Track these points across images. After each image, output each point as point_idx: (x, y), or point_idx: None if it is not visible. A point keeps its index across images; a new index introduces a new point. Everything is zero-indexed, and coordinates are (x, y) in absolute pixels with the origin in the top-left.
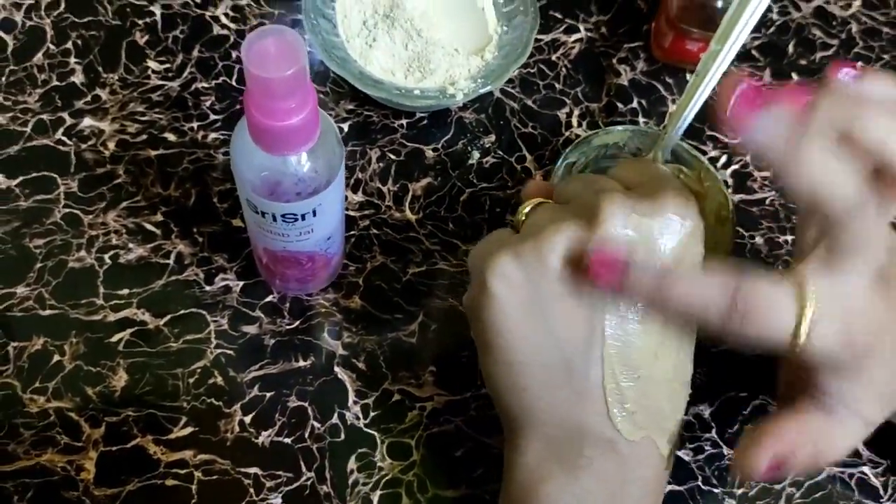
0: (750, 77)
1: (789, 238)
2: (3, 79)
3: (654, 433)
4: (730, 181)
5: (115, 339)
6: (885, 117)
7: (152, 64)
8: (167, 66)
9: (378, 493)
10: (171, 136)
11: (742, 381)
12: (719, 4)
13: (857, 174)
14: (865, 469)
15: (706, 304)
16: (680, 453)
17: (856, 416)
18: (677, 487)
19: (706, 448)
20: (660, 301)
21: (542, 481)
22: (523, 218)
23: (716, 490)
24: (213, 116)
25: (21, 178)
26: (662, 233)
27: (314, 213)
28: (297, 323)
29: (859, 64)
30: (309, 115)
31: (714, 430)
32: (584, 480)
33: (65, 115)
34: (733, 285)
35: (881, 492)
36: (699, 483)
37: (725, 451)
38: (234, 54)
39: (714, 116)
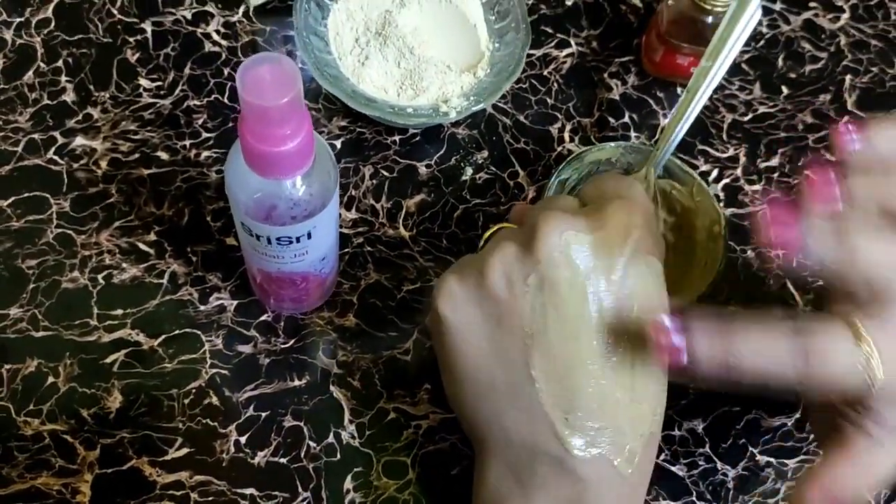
0: (771, 195)
1: (781, 252)
2: None
3: (611, 452)
4: (721, 195)
5: (109, 360)
6: None
7: (144, 82)
8: (159, 83)
9: None
10: (163, 155)
11: (735, 397)
12: (709, 20)
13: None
14: None
15: (777, 364)
16: (674, 468)
17: (891, 431)
18: (672, 503)
19: (700, 463)
20: (735, 373)
21: (503, 500)
22: (482, 243)
23: None
24: (205, 134)
25: (13, 199)
26: (602, 247)
27: (309, 236)
28: (292, 342)
29: (844, 119)
30: (304, 141)
31: (708, 445)
32: (539, 499)
33: (56, 134)
34: (793, 338)
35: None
36: (693, 498)
37: (719, 465)
38: (226, 71)
39: (705, 132)
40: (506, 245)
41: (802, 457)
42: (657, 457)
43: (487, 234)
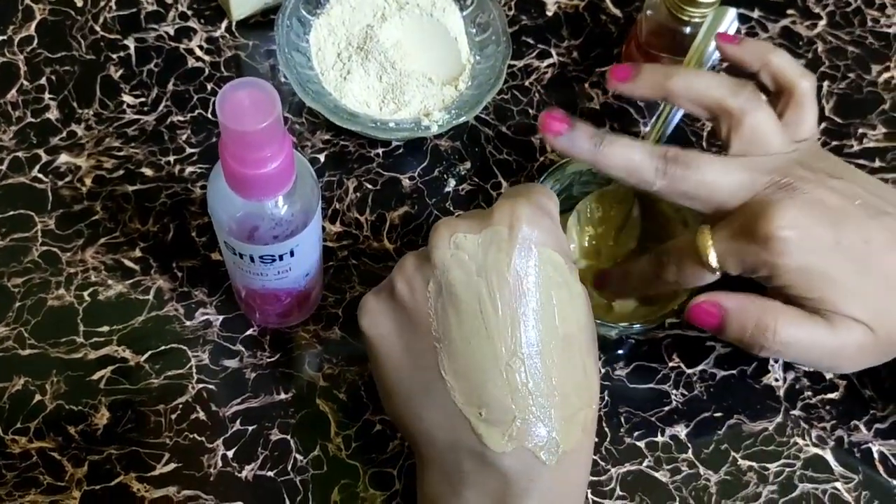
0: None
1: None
2: None
3: (530, 443)
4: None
5: (96, 376)
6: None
7: (127, 98)
8: (142, 99)
9: None
10: (147, 171)
11: (717, 402)
12: (687, 30)
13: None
14: (838, 484)
15: (639, 163)
16: (657, 474)
17: (849, 317)
18: None
19: (683, 469)
20: (601, 163)
21: (437, 500)
22: None
23: None
24: (189, 150)
25: None
26: (490, 244)
27: (291, 254)
28: (278, 356)
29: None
30: (284, 163)
31: (690, 451)
32: (466, 495)
33: (40, 151)
34: (662, 150)
35: None
36: (677, 503)
37: (702, 470)
38: (209, 86)
39: (685, 140)
40: (408, 258)
41: (783, 461)
42: (640, 463)
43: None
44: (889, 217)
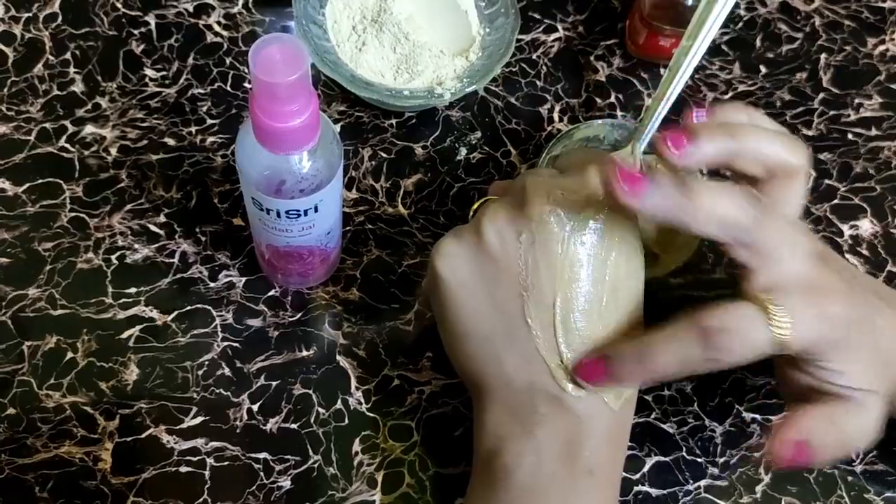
0: (617, 164)
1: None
2: (5, 90)
3: (601, 390)
4: (704, 169)
5: (125, 335)
6: (753, 133)
7: (149, 72)
8: (164, 73)
9: (382, 472)
10: (170, 141)
11: None
12: (689, 2)
13: (743, 193)
14: None
15: (688, 361)
16: (664, 426)
17: (866, 391)
18: (663, 458)
19: (689, 420)
20: (654, 381)
21: (505, 439)
22: (472, 214)
23: (699, 459)
24: (210, 121)
25: (27, 185)
26: (585, 206)
27: (315, 209)
28: (300, 315)
29: (707, 101)
30: (311, 117)
31: (696, 404)
32: (540, 435)
33: (67, 123)
34: (699, 330)
35: (853, 456)
36: (683, 454)
37: (707, 422)
38: (227, 60)
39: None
40: (499, 207)
41: (785, 413)
42: (648, 416)
43: (475, 206)
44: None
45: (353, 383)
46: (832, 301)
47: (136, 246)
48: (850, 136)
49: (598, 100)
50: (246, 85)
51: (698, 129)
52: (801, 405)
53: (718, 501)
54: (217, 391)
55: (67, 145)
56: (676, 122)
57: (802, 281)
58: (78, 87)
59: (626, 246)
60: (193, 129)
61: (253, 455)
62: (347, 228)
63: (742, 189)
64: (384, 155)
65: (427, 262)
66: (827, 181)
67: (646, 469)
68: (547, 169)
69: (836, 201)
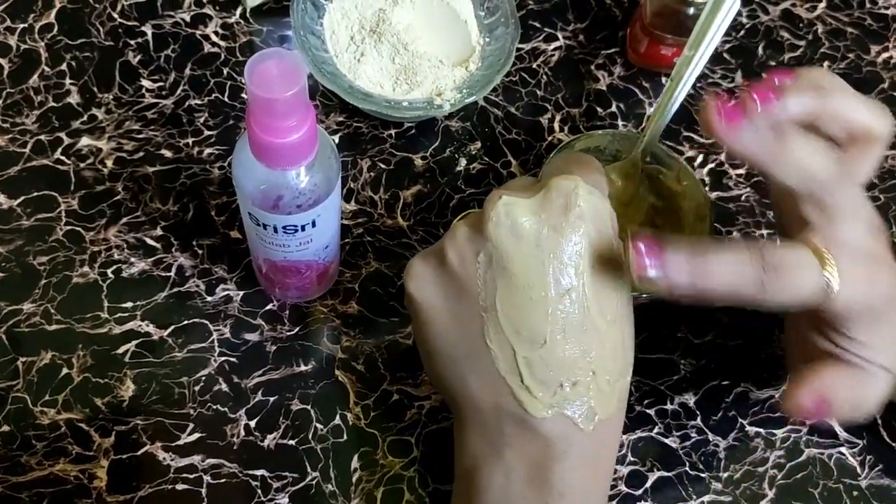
0: (720, 95)
1: (765, 232)
2: (1, 102)
3: (569, 410)
4: (707, 179)
5: (121, 350)
6: (842, 94)
7: (146, 83)
8: (160, 84)
9: (381, 489)
10: (167, 153)
11: (724, 371)
12: (690, 11)
13: (828, 151)
14: (843, 449)
15: (741, 280)
16: (667, 441)
17: (880, 367)
18: (666, 473)
19: (692, 435)
20: (701, 288)
21: (478, 458)
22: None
23: (703, 475)
24: (207, 132)
25: (22, 198)
26: (544, 222)
27: (313, 224)
28: (297, 329)
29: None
30: (308, 132)
31: (699, 418)
32: (508, 457)
33: (62, 135)
34: (758, 255)
35: (858, 470)
36: (686, 469)
37: (710, 437)
38: (225, 71)
39: (690, 119)
40: (459, 226)
41: (790, 426)
42: (651, 430)
43: (457, 220)
44: None
45: (352, 398)
46: (881, 273)
47: (133, 259)
48: None
49: (599, 109)
50: (244, 96)
51: (787, 86)
52: (816, 365)
53: None
54: (214, 407)
55: (63, 157)
56: (678, 131)
57: (859, 247)
58: (74, 99)
59: (594, 264)
60: (190, 140)
61: (250, 472)
62: (346, 241)
63: (827, 146)
64: (383, 166)
65: None
66: None
67: (648, 484)
68: (521, 178)
69: None
